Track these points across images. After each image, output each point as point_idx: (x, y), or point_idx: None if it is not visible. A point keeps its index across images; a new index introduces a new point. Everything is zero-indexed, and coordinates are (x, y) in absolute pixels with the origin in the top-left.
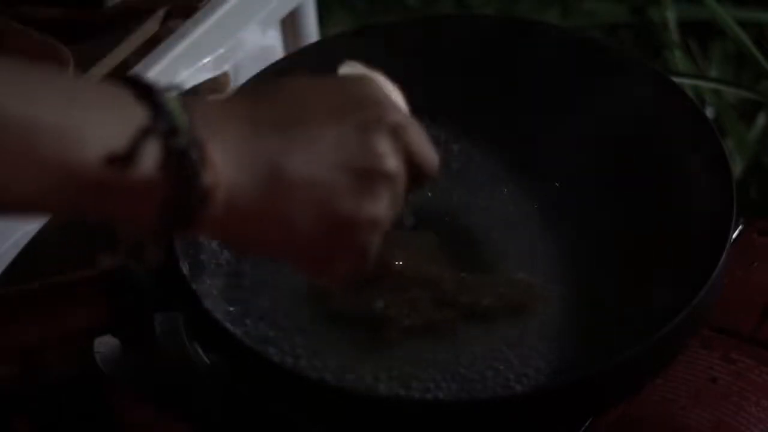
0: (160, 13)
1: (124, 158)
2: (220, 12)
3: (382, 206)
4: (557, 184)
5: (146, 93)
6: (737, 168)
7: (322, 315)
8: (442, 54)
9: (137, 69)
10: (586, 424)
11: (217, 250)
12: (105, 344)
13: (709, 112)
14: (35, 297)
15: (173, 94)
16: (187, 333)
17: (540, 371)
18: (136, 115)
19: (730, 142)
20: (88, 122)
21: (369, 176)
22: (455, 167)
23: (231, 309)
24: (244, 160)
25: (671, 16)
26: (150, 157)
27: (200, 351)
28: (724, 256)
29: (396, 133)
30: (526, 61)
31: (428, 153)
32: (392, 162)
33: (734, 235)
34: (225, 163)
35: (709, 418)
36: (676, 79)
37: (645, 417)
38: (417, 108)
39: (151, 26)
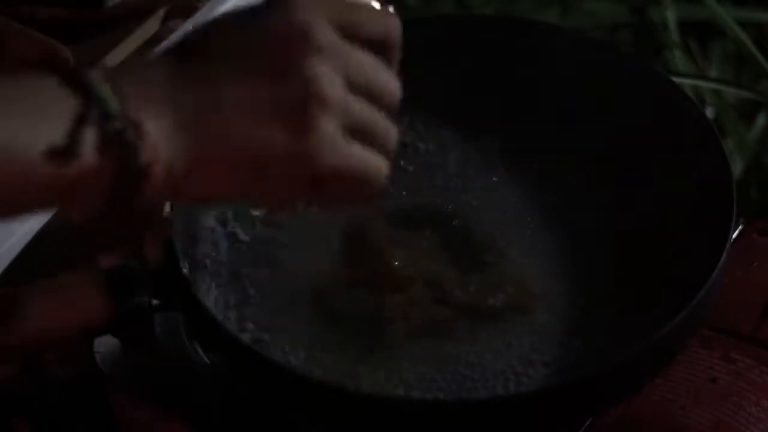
0: (160, 13)
1: (66, 152)
2: (220, 12)
3: (327, 130)
4: (557, 183)
5: (76, 79)
6: (737, 168)
7: (322, 315)
8: (442, 54)
9: None
10: (586, 424)
11: (217, 249)
12: (105, 344)
13: (709, 112)
14: (35, 297)
15: (100, 73)
16: (187, 333)
17: (540, 371)
18: (70, 105)
19: (730, 142)
20: (26, 123)
21: (301, 107)
22: (455, 167)
23: (231, 309)
24: (175, 129)
25: (671, 16)
26: (89, 145)
27: (200, 351)
28: (724, 256)
29: (329, 54)
30: (526, 61)
31: (370, 20)
32: (328, 86)
33: (734, 235)
34: (159, 136)
35: (709, 418)
36: (676, 79)
37: (645, 417)
38: (417, 107)
39: (151, 26)
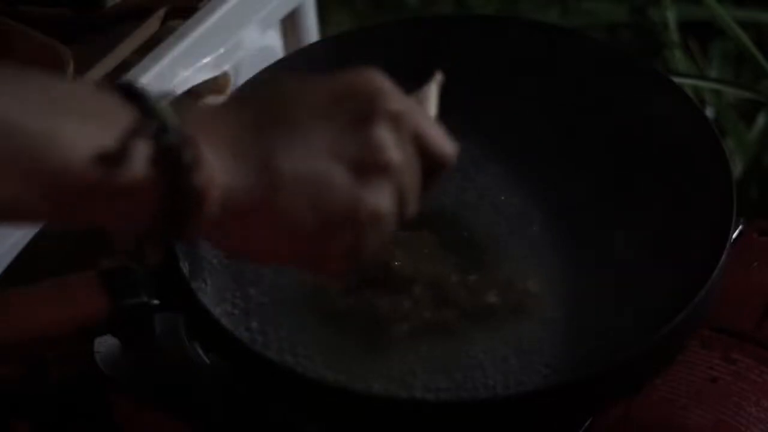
0: (160, 13)
1: (114, 158)
2: (220, 12)
3: (383, 200)
4: (557, 183)
5: (135, 96)
6: (737, 168)
7: (322, 315)
8: (442, 54)
9: (137, 69)
10: (586, 424)
11: (217, 250)
12: (105, 344)
13: (709, 112)
14: (35, 297)
15: (162, 98)
16: (187, 333)
17: (540, 371)
18: (125, 117)
19: (730, 142)
20: (75, 127)
21: (367, 169)
22: (455, 167)
23: (231, 309)
24: (236, 160)
25: (671, 16)
26: (141, 156)
27: (200, 351)
28: (724, 256)
29: (398, 122)
30: (526, 61)
31: (439, 140)
32: (393, 153)
33: (734, 235)
34: (217, 162)
35: (709, 418)
36: (676, 79)
37: (645, 417)
38: None
39: (151, 26)
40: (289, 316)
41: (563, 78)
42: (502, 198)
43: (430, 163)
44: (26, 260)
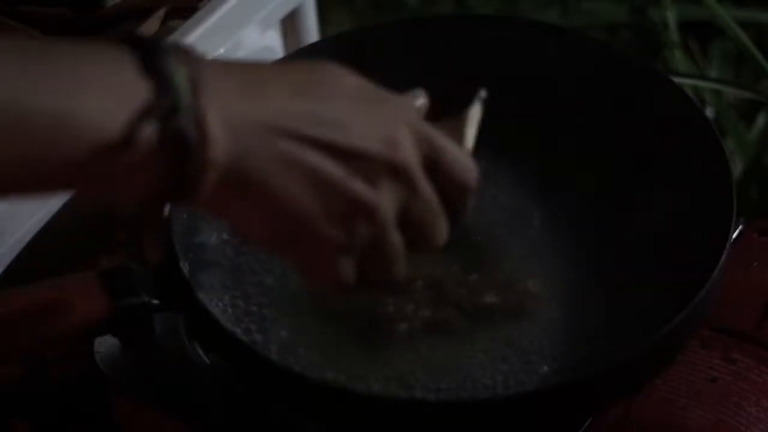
0: (160, 13)
1: (121, 144)
2: (220, 12)
3: (382, 198)
4: (557, 183)
5: (152, 61)
6: (737, 168)
7: (322, 315)
8: (442, 54)
9: None
10: (586, 424)
11: (217, 249)
12: (105, 344)
13: (709, 112)
14: (35, 297)
15: (180, 58)
16: (187, 333)
17: (540, 371)
18: (138, 93)
19: (730, 142)
20: (86, 106)
21: (376, 163)
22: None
23: (231, 309)
24: (240, 139)
25: (671, 16)
26: (147, 138)
27: (200, 351)
28: (724, 256)
29: (418, 136)
30: (526, 61)
31: (458, 164)
32: (407, 153)
33: (734, 235)
34: (222, 140)
35: (709, 418)
36: (676, 79)
37: (645, 417)
38: None
39: (151, 26)
40: (289, 316)
41: (563, 78)
42: (502, 198)
43: (450, 188)
44: (26, 260)
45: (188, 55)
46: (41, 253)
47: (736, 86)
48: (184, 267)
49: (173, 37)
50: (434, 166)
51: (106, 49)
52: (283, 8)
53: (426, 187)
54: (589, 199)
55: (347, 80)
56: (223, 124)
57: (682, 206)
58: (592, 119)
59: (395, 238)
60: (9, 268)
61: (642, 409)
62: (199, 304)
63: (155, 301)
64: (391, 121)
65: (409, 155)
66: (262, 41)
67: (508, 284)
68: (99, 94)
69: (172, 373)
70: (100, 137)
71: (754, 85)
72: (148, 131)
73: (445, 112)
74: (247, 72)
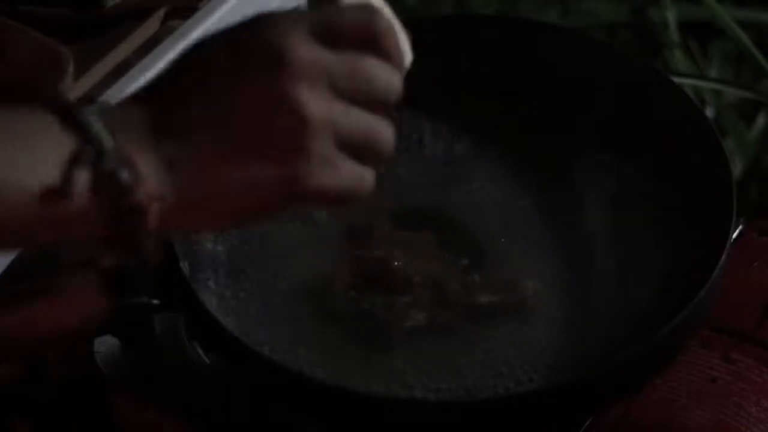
0: (160, 13)
1: (59, 192)
2: (220, 12)
3: (315, 153)
4: (557, 183)
5: (71, 116)
6: (737, 168)
7: (322, 315)
8: (442, 54)
9: (137, 69)
10: (586, 424)
11: (217, 250)
12: (105, 344)
13: (709, 112)
14: (35, 297)
15: (94, 109)
16: (187, 333)
17: (540, 371)
18: (65, 145)
19: (730, 142)
20: (20, 162)
21: (286, 136)
22: (455, 167)
23: (231, 309)
24: (162, 165)
25: (671, 16)
26: (83, 184)
27: (200, 351)
28: (724, 256)
29: (309, 72)
30: (526, 61)
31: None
32: (312, 107)
33: (734, 235)
34: (150, 173)
35: (709, 418)
36: (676, 79)
37: (645, 417)
38: (416, 108)
39: (151, 26)
40: (290, 316)
41: (563, 78)
42: (502, 198)
43: (366, 43)
44: (26, 260)
45: (100, 104)
46: (41, 253)
47: (736, 86)
48: (184, 267)
49: (172, 38)
50: (335, 38)
51: (24, 112)
52: (283, 9)
53: (341, 62)
54: (589, 199)
55: (211, 69)
56: (146, 160)
57: (682, 206)
58: (592, 119)
59: (348, 116)
60: (9, 268)
61: (642, 409)
62: (199, 304)
63: (155, 301)
64: (277, 83)
65: (317, 113)
66: None
67: (508, 284)
68: (28, 153)
69: (172, 373)
70: (37, 191)
71: (754, 85)
72: (83, 177)
73: (446, 111)
74: (160, 98)
